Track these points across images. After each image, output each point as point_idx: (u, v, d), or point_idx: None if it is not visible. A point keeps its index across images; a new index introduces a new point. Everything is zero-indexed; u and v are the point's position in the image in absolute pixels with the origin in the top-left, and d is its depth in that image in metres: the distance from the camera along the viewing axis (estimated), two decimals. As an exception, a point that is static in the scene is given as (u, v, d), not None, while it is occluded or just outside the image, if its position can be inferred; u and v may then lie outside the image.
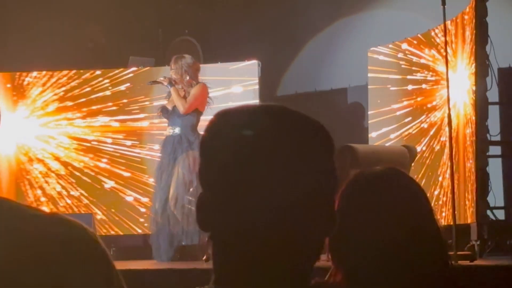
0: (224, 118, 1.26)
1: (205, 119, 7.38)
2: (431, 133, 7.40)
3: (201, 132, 6.38)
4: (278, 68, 9.37)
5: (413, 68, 7.78)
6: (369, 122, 8.37)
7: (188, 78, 7.13)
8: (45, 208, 7.75)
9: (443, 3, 5.63)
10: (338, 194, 1.84)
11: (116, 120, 8.71)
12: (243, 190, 1.19)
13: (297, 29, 9.28)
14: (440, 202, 7.00)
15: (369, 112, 8.43)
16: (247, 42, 9.11)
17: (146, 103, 8.62)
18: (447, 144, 5.79)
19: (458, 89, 6.58)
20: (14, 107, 8.66)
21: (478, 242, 5.92)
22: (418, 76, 7.70)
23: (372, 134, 8.23)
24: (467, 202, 6.44)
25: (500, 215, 6.63)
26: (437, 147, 7.26)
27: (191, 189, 6.87)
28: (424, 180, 7.19)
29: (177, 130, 7.09)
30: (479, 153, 6.22)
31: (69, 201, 8.61)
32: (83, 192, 8.64)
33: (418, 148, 7.06)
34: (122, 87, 8.74)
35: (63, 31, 9.03)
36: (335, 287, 1.85)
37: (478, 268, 4.98)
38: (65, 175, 8.67)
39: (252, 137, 1.21)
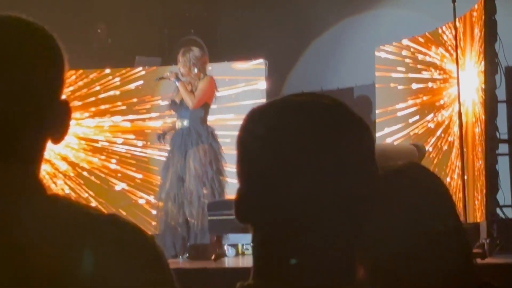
0: (260, 114, 1.27)
1: (212, 118, 7.37)
2: (438, 133, 7.38)
3: (210, 125, 6.29)
4: (285, 67, 9.35)
5: (421, 66, 7.76)
6: (377, 121, 8.35)
7: (196, 71, 7.10)
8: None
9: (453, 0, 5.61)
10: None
11: (125, 120, 8.69)
12: (284, 182, 1.20)
13: (303, 28, 9.27)
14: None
15: (376, 111, 8.41)
16: (253, 41, 9.09)
17: (159, 101, 8.59)
18: (456, 143, 5.78)
19: (466, 87, 6.56)
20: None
21: (488, 241, 5.91)
22: (426, 74, 7.68)
23: (380, 133, 8.22)
24: (476, 202, 6.42)
25: (509, 213, 6.62)
26: (445, 147, 7.23)
27: (205, 182, 6.86)
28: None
29: (185, 122, 7.07)
30: (489, 151, 6.20)
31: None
32: (91, 193, 8.63)
33: (426, 148, 7.04)
34: (132, 86, 8.73)
35: (69, 31, 9.01)
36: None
37: (488, 266, 4.97)
38: (73, 176, 8.65)
39: (290, 132, 1.22)
